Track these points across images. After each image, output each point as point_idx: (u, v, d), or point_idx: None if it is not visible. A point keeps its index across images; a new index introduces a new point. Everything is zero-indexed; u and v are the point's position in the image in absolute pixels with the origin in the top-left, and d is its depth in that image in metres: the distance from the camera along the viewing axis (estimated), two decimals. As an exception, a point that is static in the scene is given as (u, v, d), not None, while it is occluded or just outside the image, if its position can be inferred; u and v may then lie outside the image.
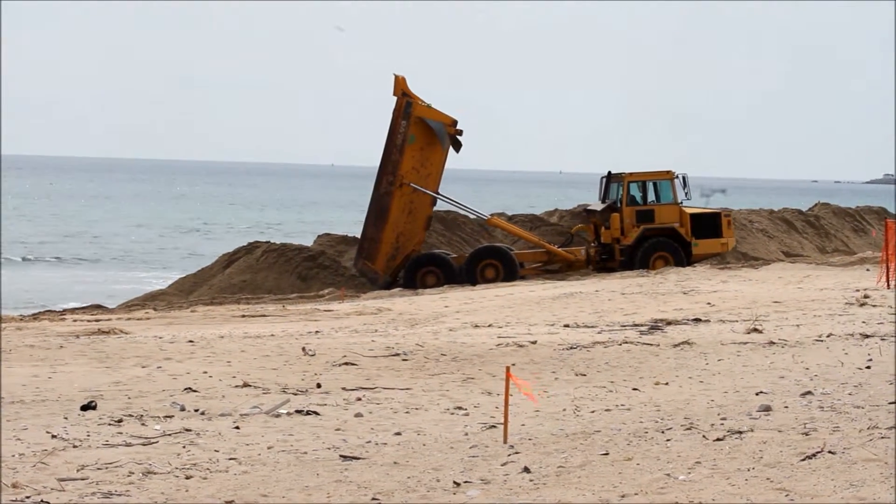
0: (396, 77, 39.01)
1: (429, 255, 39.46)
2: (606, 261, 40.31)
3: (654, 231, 39.89)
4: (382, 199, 38.96)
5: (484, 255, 39.34)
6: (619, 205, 40.14)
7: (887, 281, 30.14)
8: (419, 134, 38.89)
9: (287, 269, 40.27)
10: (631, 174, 40.31)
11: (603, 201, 40.95)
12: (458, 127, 39.10)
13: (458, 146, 39.27)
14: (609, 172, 40.75)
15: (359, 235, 40.65)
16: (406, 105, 38.72)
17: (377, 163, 39.34)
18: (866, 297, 27.37)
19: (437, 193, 39.33)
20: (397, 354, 20.21)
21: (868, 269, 36.29)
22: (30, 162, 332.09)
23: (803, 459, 10.89)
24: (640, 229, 39.71)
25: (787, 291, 29.86)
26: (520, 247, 41.53)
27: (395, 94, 38.90)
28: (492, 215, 43.12)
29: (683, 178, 40.11)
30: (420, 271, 38.62)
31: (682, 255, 39.63)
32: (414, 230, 39.17)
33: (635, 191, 40.37)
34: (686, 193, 40.10)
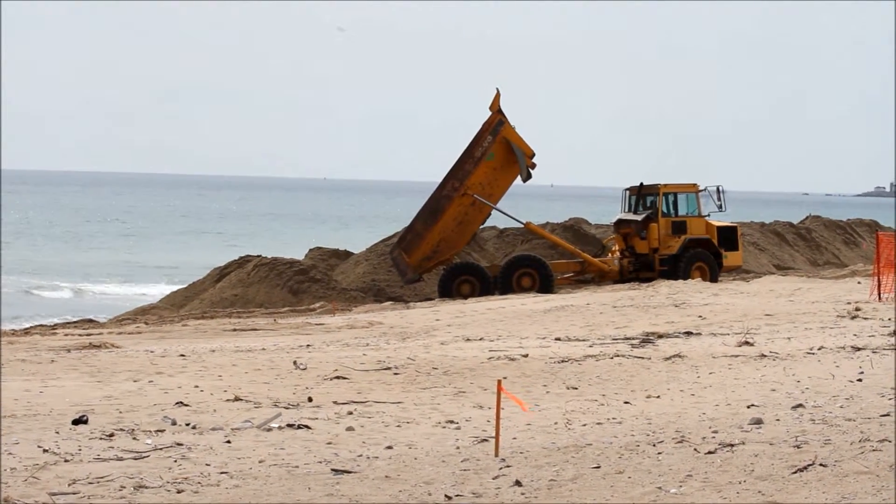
0: (497, 92, 39.31)
1: (464, 264, 39.67)
2: (639, 271, 40.36)
3: (694, 242, 40.14)
4: (441, 201, 39.20)
5: (520, 264, 39.26)
6: (654, 216, 40.29)
7: (878, 293, 30.19)
8: (499, 154, 39.19)
9: (278, 283, 40.27)
10: (665, 185, 40.60)
11: (635, 212, 40.96)
12: (534, 160, 39.34)
13: (527, 178, 39.45)
14: (641, 184, 40.91)
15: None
16: (497, 123, 39.11)
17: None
18: (858, 309, 27.42)
19: (495, 206, 39.41)
20: (389, 368, 20.19)
21: (859, 282, 36.37)
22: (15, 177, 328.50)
23: (795, 472, 10.90)
24: (683, 239, 39.93)
25: (778, 304, 29.90)
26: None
27: (490, 109, 39.24)
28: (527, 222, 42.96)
29: (718, 189, 40.20)
30: (456, 280, 38.74)
31: (716, 267, 39.94)
32: (457, 240, 39.36)
33: (663, 202, 40.53)
34: (720, 206, 40.18)
